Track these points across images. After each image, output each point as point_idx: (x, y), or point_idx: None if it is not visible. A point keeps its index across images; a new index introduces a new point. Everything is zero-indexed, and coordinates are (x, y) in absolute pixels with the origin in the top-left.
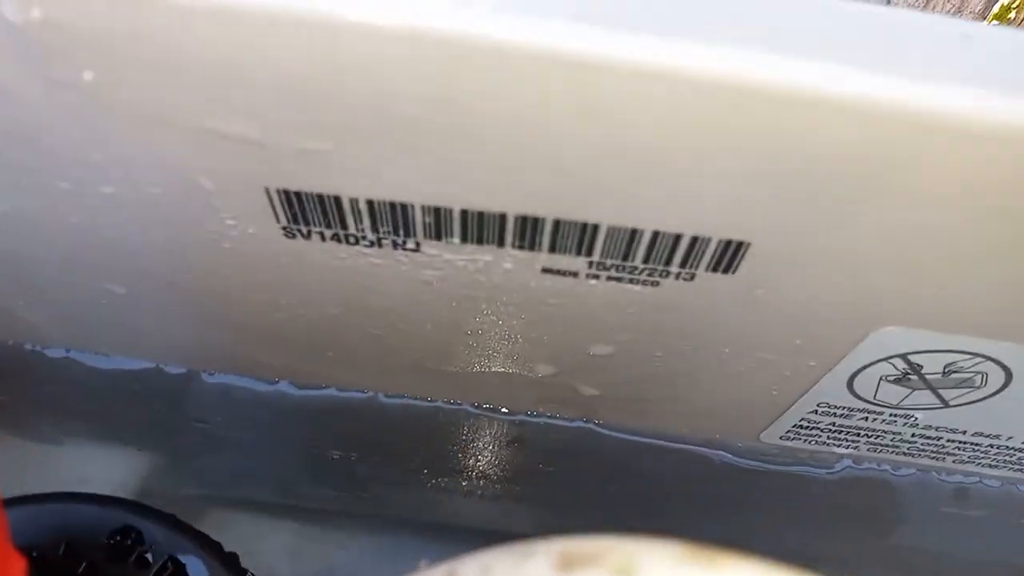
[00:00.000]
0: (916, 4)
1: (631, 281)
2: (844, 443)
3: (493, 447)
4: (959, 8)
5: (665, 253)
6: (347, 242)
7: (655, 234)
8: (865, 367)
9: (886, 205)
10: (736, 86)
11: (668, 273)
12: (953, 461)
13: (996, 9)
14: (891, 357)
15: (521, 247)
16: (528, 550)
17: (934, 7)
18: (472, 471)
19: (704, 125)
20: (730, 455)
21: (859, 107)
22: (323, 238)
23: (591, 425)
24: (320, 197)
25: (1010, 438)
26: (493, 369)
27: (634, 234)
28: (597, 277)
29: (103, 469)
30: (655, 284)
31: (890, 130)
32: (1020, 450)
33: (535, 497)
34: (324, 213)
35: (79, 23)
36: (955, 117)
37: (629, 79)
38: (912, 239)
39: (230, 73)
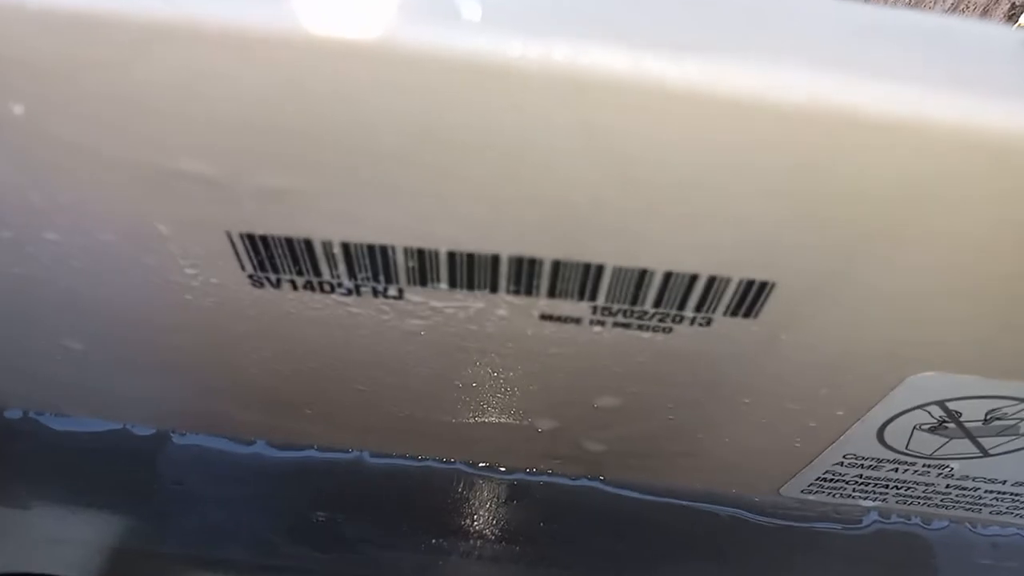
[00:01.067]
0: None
1: (640, 327)
2: (872, 496)
3: (491, 508)
4: (986, 9)
5: (679, 296)
6: (321, 290)
7: (667, 275)
8: (898, 415)
9: (923, 236)
10: (757, 104)
11: (682, 318)
12: (990, 513)
13: None
14: (927, 404)
15: (517, 292)
16: None
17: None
18: (468, 534)
19: (722, 149)
20: (747, 512)
21: (897, 127)
22: (295, 287)
23: (596, 483)
24: (289, 241)
25: None
26: (489, 425)
27: (644, 275)
28: (602, 324)
29: (77, 532)
30: (667, 331)
31: (930, 151)
32: None
33: (536, 561)
34: (294, 259)
35: (6, 51)
36: (1003, 133)
37: (636, 99)
38: (950, 275)
39: (183, 103)
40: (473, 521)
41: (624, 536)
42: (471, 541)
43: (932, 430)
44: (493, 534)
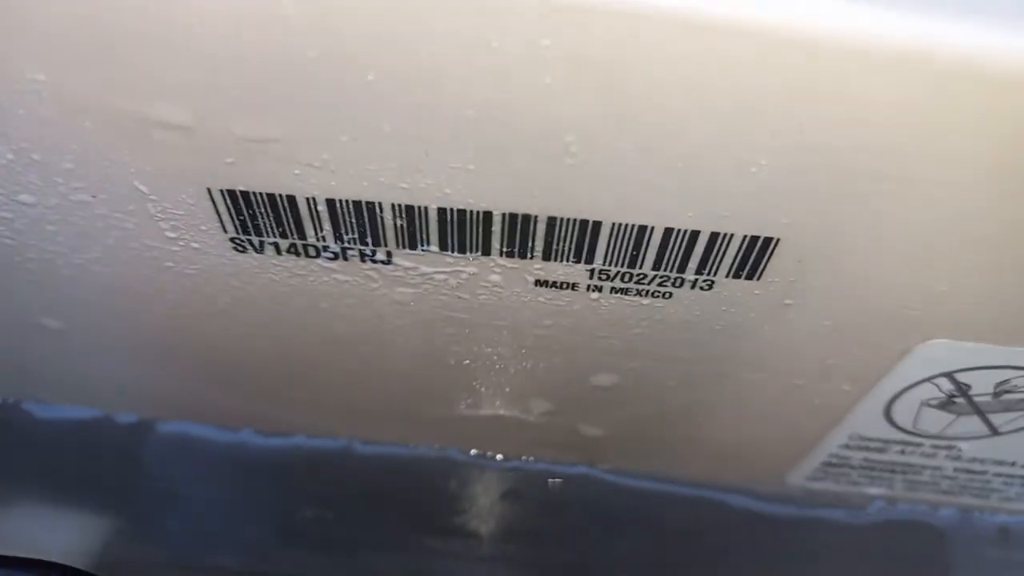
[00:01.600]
0: None
1: (639, 292)
2: (878, 482)
3: (485, 499)
4: None
5: (679, 256)
6: (306, 255)
7: (667, 232)
8: (905, 390)
9: (934, 181)
10: (756, 31)
11: (683, 281)
12: (999, 499)
13: None
14: (935, 377)
15: (511, 254)
16: None
17: None
18: (463, 529)
19: (719, 82)
20: (751, 500)
21: (904, 57)
22: (278, 250)
23: (595, 471)
24: (271, 198)
25: None
26: (481, 408)
27: (643, 232)
28: (600, 289)
29: (59, 538)
30: (667, 296)
31: (939, 85)
32: None
33: (534, 555)
34: (277, 218)
35: None
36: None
37: (626, 26)
38: (962, 224)
39: (158, 43)
40: (466, 516)
41: (625, 529)
42: (463, 539)
43: (941, 406)
44: (487, 530)
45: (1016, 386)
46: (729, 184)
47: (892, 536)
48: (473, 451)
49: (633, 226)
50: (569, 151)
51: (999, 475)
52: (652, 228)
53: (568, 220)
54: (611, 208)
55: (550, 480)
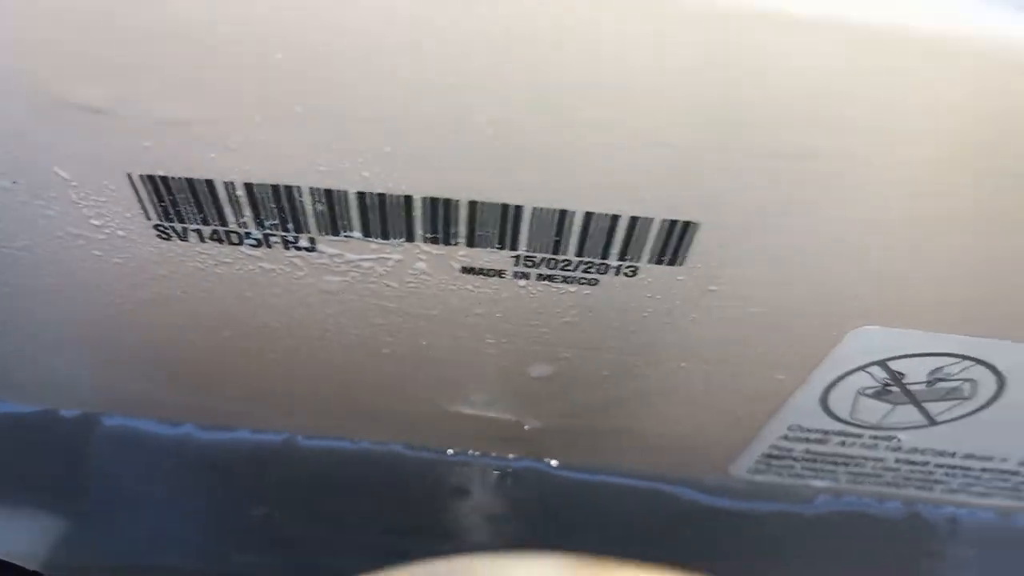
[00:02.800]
0: None
1: (566, 279)
2: (822, 475)
3: (431, 494)
4: None
5: (601, 240)
6: (229, 241)
7: (588, 216)
8: (840, 379)
9: (863, 162)
10: (666, 4)
11: (607, 268)
12: (942, 491)
13: None
14: (869, 365)
15: (434, 239)
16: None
17: None
18: (409, 525)
19: (635, 59)
20: (698, 493)
21: (824, 23)
22: (201, 237)
23: (541, 464)
24: (190, 183)
25: (1004, 460)
26: (420, 402)
27: (564, 217)
28: (526, 276)
29: (7, 537)
30: (593, 283)
31: (866, 55)
32: (1015, 473)
33: (480, 549)
34: (198, 204)
35: None
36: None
37: (543, 1)
38: (887, 205)
39: (72, 23)
40: (412, 512)
41: (572, 522)
42: (411, 536)
43: (876, 395)
44: (433, 525)
45: (949, 374)
46: (645, 166)
47: (838, 530)
48: (416, 445)
49: (554, 210)
50: (485, 133)
51: (941, 466)
52: (573, 212)
53: (489, 204)
54: (531, 192)
55: (496, 473)
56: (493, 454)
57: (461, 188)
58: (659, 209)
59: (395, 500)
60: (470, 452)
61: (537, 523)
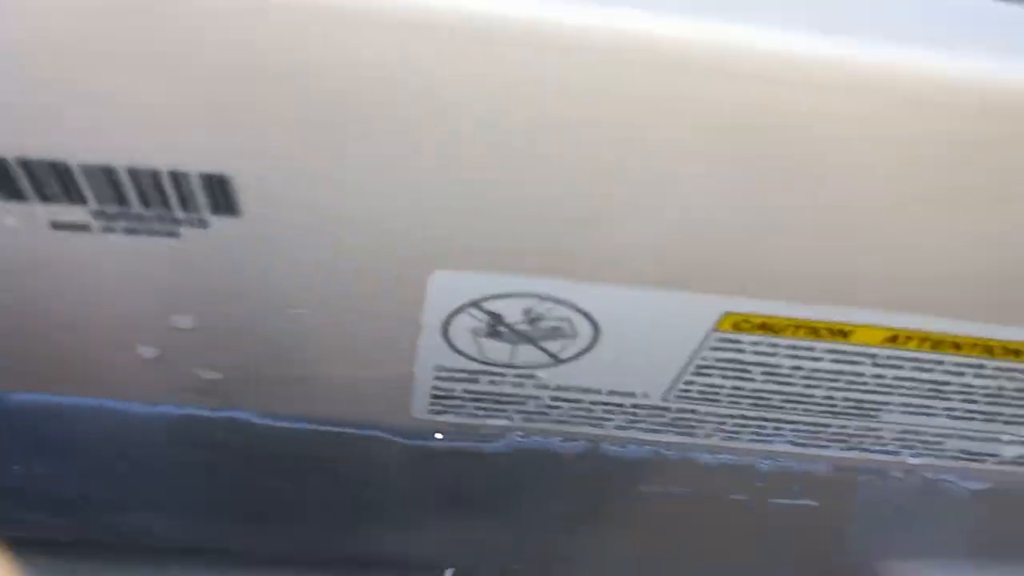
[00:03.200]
0: None
1: (149, 232)
2: (495, 414)
3: (138, 445)
4: None
5: (158, 195)
6: None
7: (132, 171)
8: (447, 320)
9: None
10: None
11: (179, 220)
12: (614, 427)
13: None
14: (465, 307)
15: (6, 197)
16: None
17: None
18: (115, 474)
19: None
20: (401, 437)
21: None
22: None
23: (244, 414)
24: None
25: (646, 395)
26: (100, 356)
27: (111, 173)
28: (112, 230)
29: None
30: (174, 235)
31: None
32: (664, 409)
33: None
34: None
35: None
36: None
37: None
38: (428, 149)
39: None
40: (120, 461)
41: (279, 471)
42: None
43: (490, 335)
44: (141, 475)
45: (542, 314)
46: (173, 122)
47: (522, 465)
48: (116, 397)
49: (98, 166)
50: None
51: (596, 403)
52: (116, 168)
53: (40, 161)
54: (71, 148)
55: (193, 425)
56: (184, 403)
57: (7, 146)
58: (194, 163)
59: (102, 450)
60: (156, 405)
61: (247, 474)
